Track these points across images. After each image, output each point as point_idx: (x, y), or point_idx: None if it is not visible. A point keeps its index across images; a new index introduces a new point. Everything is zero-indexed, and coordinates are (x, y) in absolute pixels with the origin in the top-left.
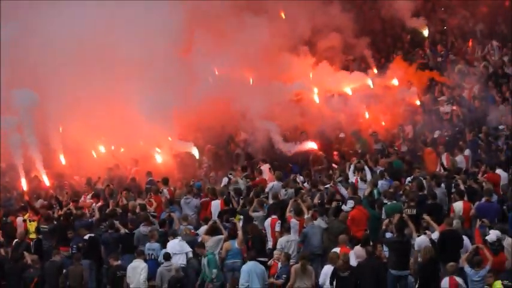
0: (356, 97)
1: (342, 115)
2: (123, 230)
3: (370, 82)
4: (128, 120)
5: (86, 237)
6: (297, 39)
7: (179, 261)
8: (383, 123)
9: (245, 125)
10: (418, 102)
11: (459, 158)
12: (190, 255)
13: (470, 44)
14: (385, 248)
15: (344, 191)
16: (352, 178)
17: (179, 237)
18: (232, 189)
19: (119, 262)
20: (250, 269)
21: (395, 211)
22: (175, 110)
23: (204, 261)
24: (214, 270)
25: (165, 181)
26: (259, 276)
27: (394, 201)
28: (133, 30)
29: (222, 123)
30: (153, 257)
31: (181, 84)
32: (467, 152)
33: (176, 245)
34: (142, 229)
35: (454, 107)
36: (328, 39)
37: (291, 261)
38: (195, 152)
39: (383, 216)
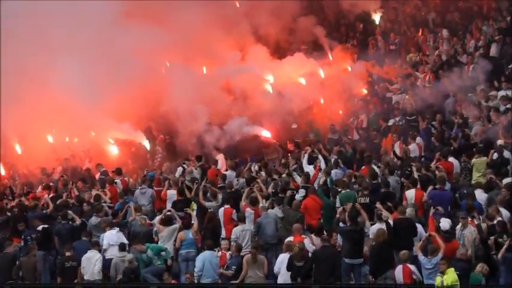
0: (309, 86)
1: (295, 104)
2: (78, 221)
3: (321, 71)
4: (74, 111)
5: (40, 228)
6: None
7: (114, 252)
8: (340, 112)
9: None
10: (364, 91)
11: (412, 147)
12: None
13: (419, 33)
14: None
15: (299, 180)
16: (306, 167)
17: (116, 228)
18: (188, 178)
19: (70, 253)
20: (205, 258)
21: (349, 200)
22: (119, 97)
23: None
24: (163, 253)
25: (119, 171)
26: (213, 265)
27: (348, 190)
28: (68, 17)
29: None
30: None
31: (121, 73)
32: (419, 140)
33: (113, 236)
34: (94, 220)
35: (407, 96)
36: (279, 26)
37: (244, 251)
38: (146, 143)
39: (337, 205)
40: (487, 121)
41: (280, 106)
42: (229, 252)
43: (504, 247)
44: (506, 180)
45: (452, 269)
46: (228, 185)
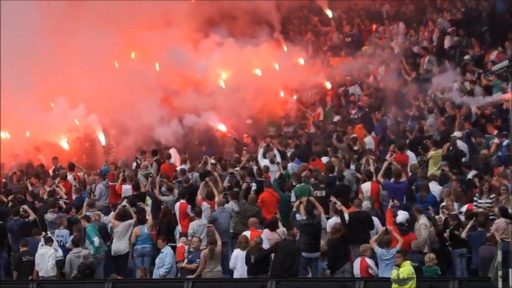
0: (266, 78)
1: (250, 97)
2: (32, 216)
3: (276, 65)
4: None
5: None
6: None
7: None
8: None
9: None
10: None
11: (368, 139)
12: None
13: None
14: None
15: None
16: (262, 161)
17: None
18: (144, 173)
19: (26, 248)
20: (172, 254)
21: (304, 193)
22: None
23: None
24: (96, 239)
25: (71, 166)
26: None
27: (303, 184)
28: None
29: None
30: (61, 243)
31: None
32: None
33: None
34: (49, 216)
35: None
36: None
37: (202, 245)
38: (102, 138)
39: (293, 199)
40: (440, 114)
41: (235, 99)
42: (187, 246)
43: (468, 226)
44: (472, 174)
45: (408, 262)
46: (184, 180)
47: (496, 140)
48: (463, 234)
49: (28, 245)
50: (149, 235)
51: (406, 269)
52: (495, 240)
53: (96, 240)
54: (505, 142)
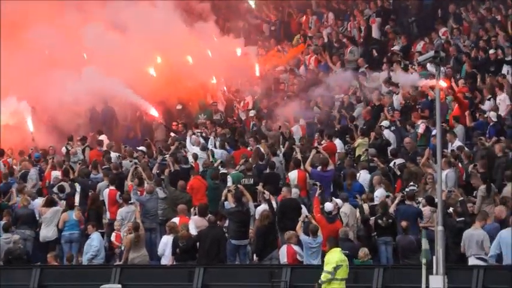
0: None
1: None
2: None
3: (209, 52)
4: None
5: None
6: None
7: None
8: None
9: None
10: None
11: (295, 128)
12: None
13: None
14: None
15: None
16: (191, 148)
17: None
18: (75, 160)
19: None
20: (100, 239)
21: (239, 180)
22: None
23: None
24: None
25: (0, 152)
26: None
27: (237, 171)
28: None
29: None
30: None
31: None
32: (302, 121)
33: None
34: None
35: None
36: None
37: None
38: (30, 124)
39: (229, 185)
40: (366, 104)
41: (167, 85)
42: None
43: (396, 201)
44: (399, 161)
45: (338, 249)
46: (114, 166)
47: (421, 130)
48: (391, 209)
49: None
50: (77, 221)
51: (337, 255)
52: (410, 228)
53: None
54: (434, 132)
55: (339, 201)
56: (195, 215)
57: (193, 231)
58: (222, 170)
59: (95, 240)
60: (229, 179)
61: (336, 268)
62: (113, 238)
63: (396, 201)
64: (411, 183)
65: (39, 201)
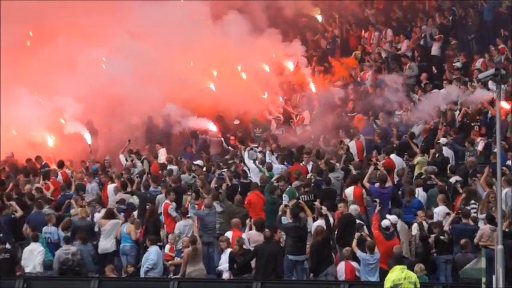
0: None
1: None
2: (19, 213)
3: (266, 66)
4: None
5: None
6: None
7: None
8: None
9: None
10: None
11: (351, 144)
12: None
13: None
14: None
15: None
16: (249, 163)
17: None
18: (137, 172)
19: (6, 245)
20: (158, 252)
21: (295, 195)
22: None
23: None
24: None
25: (60, 164)
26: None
27: (290, 186)
28: None
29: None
30: (49, 240)
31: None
32: (361, 137)
33: None
34: (39, 212)
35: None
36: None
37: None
38: (88, 137)
39: (285, 201)
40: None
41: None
42: (175, 246)
43: (450, 219)
44: (452, 180)
45: (399, 267)
46: (173, 180)
47: (480, 147)
48: (446, 227)
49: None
50: (129, 234)
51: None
52: (470, 246)
53: None
54: (495, 149)
55: (393, 217)
56: (250, 229)
57: (248, 245)
58: (279, 185)
59: (152, 253)
60: (285, 196)
61: (394, 287)
62: (166, 250)
63: (450, 220)
64: (472, 202)
65: (99, 213)
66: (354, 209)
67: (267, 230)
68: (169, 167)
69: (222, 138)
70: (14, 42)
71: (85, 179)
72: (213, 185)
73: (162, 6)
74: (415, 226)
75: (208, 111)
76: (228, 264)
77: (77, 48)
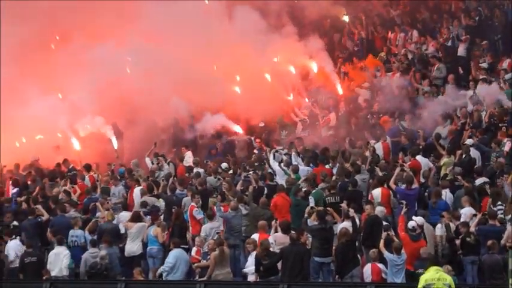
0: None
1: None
2: (45, 216)
3: (292, 68)
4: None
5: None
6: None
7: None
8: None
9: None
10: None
11: (377, 145)
12: None
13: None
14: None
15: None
16: (274, 165)
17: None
18: (164, 175)
19: (30, 249)
20: (177, 255)
21: (321, 198)
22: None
23: None
24: None
25: (87, 167)
26: (185, 262)
27: (318, 188)
28: None
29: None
30: (76, 243)
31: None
32: (388, 139)
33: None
34: (63, 216)
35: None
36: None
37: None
38: (113, 140)
39: (312, 204)
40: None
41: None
42: (202, 248)
43: (476, 220)
44: (479, 181)
45: (434, 268)
46: (199, 182)
47: (506, 148)
48: (472, 228)
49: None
50: (155, 236)
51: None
52: (497, 247)
53: None
54: None
55: (419, 219)
56: (276, 231)
57: (274, 248)
58: (305, 187)
59: (171, 256)
60: (311, 198)
61: (426, 287)
62: (193, 253)
63: (476, 221)
64: (499, 203)
65: (125, 215)
66: (380, 210)
67: (293, 232)
68: (195, 169)
69: (252, 138)
70: (36, 45)
71: (110, 182)
72: (239, 187)
73: (180, 6)
74: (438, 227)
75: (233, 114)
76: (254, 267)
77: (98, 50)
